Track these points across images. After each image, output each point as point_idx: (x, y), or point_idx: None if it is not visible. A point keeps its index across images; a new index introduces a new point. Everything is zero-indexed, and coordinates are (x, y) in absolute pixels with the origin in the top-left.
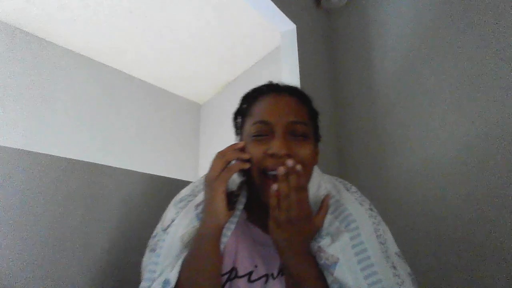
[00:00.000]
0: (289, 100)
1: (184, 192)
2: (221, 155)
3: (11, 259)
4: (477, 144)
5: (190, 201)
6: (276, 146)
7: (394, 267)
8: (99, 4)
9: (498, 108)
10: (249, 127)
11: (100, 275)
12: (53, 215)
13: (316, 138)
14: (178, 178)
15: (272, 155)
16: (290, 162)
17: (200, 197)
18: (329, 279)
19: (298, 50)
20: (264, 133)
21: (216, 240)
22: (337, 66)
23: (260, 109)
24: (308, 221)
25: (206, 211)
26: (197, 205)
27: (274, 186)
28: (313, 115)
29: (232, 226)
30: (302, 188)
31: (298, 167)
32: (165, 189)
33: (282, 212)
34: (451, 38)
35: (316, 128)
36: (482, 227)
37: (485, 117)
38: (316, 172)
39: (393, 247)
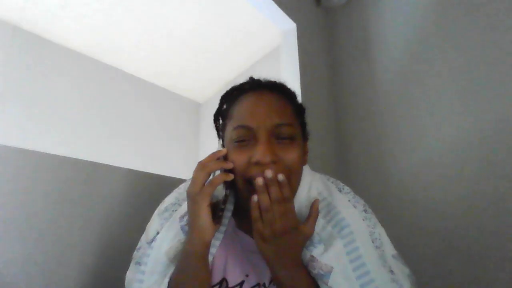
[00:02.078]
0: (271, 99)
1: (168, 200)
2: (202, 166)
3: (10, 258)
4: (479, 143)
5: (174, 210)
6: (259, 153)
7: (392, 272)
8: (99, 3)
9: (500, 106)
10: (230, 131)
11: (100, 274)
12: (53, 213)
13: (304, 136)
14: (178, 177)
15: (257, 163)
16: (269, 173)
17: (185, 206)
18: None
19: (298, 49)
20: (247, 138)
21: (203, 257)
22: (337, 65)
23: (241, 112)
24: (296, 232)
25: (191, 227)
26: (182, 217)
27: (254, 197)
28: (299, 112)
29: (221, 236)
30: (286, 199)
31: (280, 177)
32: (165, 188)
33: (266, 226)
34: (452, 36)
35: (303, 125)
36: (484, 227)
37: (487, 116)
38: (306, 172)
39: (389, 250)
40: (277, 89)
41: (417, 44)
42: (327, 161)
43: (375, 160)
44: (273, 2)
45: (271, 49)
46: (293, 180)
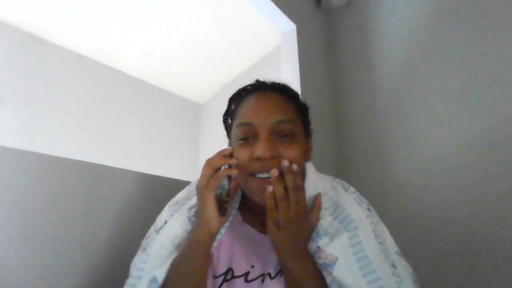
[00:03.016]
0: (273, 98)
1: (180, 195)
2: (209, 162)
3: (10, 259)
4: (478, 143)
5: (184, 204)
6: (260, 149)
7: (394, 266)
8: (99, 4)
9: (499, 106)
10: (235, 129)
11: (100, 275)
12: (53, 215)
13: (307, 134)
14: (178, 178)
15: (258, 159)
16: (285, 163)
17: (194, 200)
18: (328, 279)
19: (298, 50)
20: (249, 135)
21: (207, 247)
22: (337, 66)
23: (244, 110)
24: (306, 220)
25: (198, 218)
26: (190, 208)
27: (270, 188)
28: (302, 110)
29: (223, 231)
30: (299, 187)
31: (294, 167)
32: (165, 189)
33: (281, 213)
34: (451, 36)
35: (306, 123)
36: (483, 226)
37: (486, 116)
38: (313, 172)
39: (392, 247)
40: (280, 89)
41: (417, 45)
42: (327, 161)
43: (375, 160)
44: (272, 3)
45: (271, 50)
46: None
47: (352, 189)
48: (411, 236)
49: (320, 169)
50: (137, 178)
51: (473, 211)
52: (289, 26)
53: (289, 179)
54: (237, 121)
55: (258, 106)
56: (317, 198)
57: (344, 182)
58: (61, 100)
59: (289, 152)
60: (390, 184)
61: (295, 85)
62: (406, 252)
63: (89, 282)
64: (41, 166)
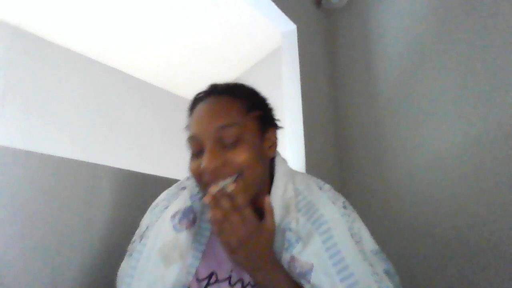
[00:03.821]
0: (214, 104)
1: (160, 197)
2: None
3: (9, 259)
4: (477, 145)
5: (165, 207)
6: (204, 162)
7: (372, 265)
8: (99, 4)
9: (498, 108)
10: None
11: (98, 275)
12: (52, 214)
13: (265, 128)
14: (177, 178)
15: (204, 171)
16: (213, 190)
17: (174, 205)
18: (307, 287)
19: (299, 50)
20: (197, 148)
21: None
22: (337, 67)
23: (191, 123)
24: (260, 233)
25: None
26: (173, 216)
27: (210, 213)
28: (254, 105)
29: (199, 255)
30: (241, 207)
31: (230, 187)
32: (164, 189)
33: (230, 236)
34: (452, 39)
35: (263, 118)
36: (483, 227)
37: (486, 118)
38: (283, 172)
39: (369, 245)
40: (226, 91)
41: (417, 46)
42: (327, 163)
43: (376, 160)
44: (273, 3)
45: (271, 50)
46: (247, 176)
47: (327, 187)
48: (411, 235)
49: (320, 170)
50: (136, 178)
51: (474, 211)
52: (290, 27)
53: (224, 204)
54: (187, 134)
55: (200, 116)
56: (265, 203)
57: (319, 180)
58: (61, 99)
59: (236, 157)
60: (391, 185)
61: (295, 85)
62: (406, 251)
63: (89, 281)
64: (41, 166)
